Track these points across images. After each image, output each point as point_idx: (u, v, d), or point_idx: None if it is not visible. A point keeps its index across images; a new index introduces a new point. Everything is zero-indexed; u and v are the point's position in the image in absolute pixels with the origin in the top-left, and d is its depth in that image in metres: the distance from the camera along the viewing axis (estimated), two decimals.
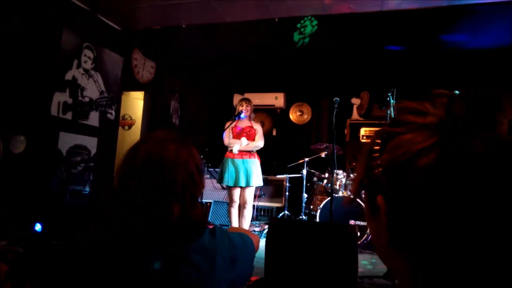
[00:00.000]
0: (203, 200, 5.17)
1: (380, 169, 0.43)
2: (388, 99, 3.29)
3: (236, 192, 3.98)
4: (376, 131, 0.48)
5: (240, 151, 3.99)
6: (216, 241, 0.99)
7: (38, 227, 3.24)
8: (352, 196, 0.52)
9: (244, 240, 1.11)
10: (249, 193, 3.99)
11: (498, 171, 0.37)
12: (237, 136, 4.03)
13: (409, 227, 0.41)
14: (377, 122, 5.54)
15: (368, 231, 4.12)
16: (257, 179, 3.98)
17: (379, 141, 0.45)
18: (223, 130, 4.06)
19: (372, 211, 0.47)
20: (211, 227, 1.03)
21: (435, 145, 0.39)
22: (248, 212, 3.99)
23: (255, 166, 3.99)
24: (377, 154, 0.45)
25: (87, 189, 4.22)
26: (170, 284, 0.89)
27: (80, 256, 0.97)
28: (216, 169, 5.31)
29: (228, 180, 3.95)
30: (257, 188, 5.51)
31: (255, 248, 1.19)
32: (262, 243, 2.57)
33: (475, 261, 0.38)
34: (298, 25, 4.39)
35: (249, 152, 4.01)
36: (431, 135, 0.39)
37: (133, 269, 0.89)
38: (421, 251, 0.41)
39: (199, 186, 0.99)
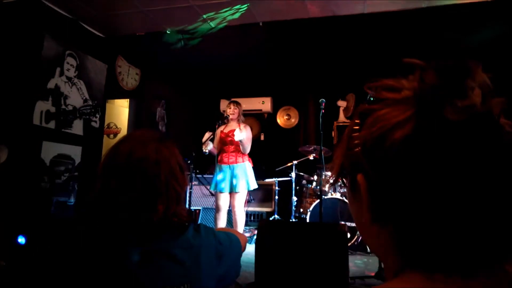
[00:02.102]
0: (191, 207, 5.11)
1: (359, 148, 0.43)
2: (371, 98, 3.31)
3: (221, 198, 3.90)
4: (354, 111, 0.48)
5: (227, 156, 3.94)
6: (201, 237, 0.99)
7: (21, 239, 3.15)
8: (333, 179, 0.52)
9: (229, 238, 1.11)
10: (236, 199, 3.85)
11: (474, 140, 0.37)
12: (221, 140, 3.97)
13: (389, 201, 0.41)
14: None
15: (358, 231, 4.13)
16: (246, 183, 3.86)
17: (357, 121, 0.46)
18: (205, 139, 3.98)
19: (353, 191, 0.48)
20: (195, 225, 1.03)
21: (411, 117, 0.39)
22: (239, 218, 3.86)
23: (243, 170, 3.88)
24: (356, 134, 0.45)
25: (72, 200, 4.13)
26: (156, 281, 0.87)
27: (65, 257, 0.96)
28: (204, 176, 5.27)
29: (214, 185, 3.92)
30: (247, 192, 5.48)
31: (242, 246, 1.18)
32: (252, 247, 2.54)
33: (456, 230, 0.38)
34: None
35: (236, 156, 3.94)
36: (407, 108, 0.40)
37: (118, 267, 0.88)
38: (403, 225, 0.41)
39: (182, 184, 0.99)
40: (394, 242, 0.43)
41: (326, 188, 4.61)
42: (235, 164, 3.90)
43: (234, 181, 3.82)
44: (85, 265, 0.91)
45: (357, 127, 0.45)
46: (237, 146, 3.91)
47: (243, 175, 3.88)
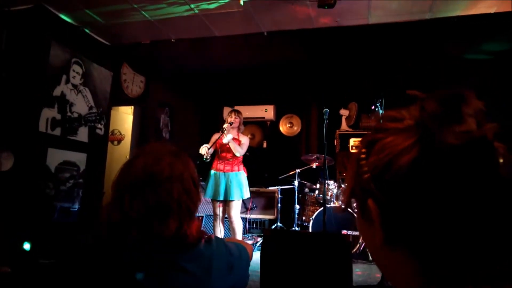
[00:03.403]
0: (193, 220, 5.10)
1: (368, 174, 0.46)
2: (376, 109, 3.34)
3: (217, 206, 3.92)
4: (361, 140, 0.52)
5: (223, 164, 3.95)
6: (212, 248, 0.99)
7: (26, 245, 3.16)
8: (343, 206, 0.55)
9: (238, 248, 1.12)
10: (232, 207, 3.86)
11: (473, 162, 0.40)
12: (220, 148, 3.98)
13: (401, 222, 0.44)
14: (366, 132, 5.57)
15: (361, 240, 4.13)
16: (240, 192, 3.87)
17: (364, 150, 0.49)
18: (211, 143, 3.99)
19: (364, 216, 0.50)
20: (206, 236, 1.03)
21: (414, 143, 0.43)
22: (237, 226, 3.89)
23: (237, 179, 3.91)
24: (364, 162, 0.48)
25: (76, 206, 4.14)
26: None
27: (74, 270, 0.96)
28: (203, 183, 5.28)
29: (209, 193, 3.92)
30: (248, 200, 5.49)
31: (249, 256, 1.19)
32: (257, 255, 2.55)
33: (467, 246, 0.41)
34: None
35: (232, 164, 3.96)
36: (410, 136, 0.43)
37: (129, 282, 0.88)
38: (417, 245, 0.44)
39: (195, 200, 0.99)
40: (410, 263, 0.44)
41: (329, 196, 4.62)
42: (230, 172, 3.92)
43: (230, 189, 3.84)
44: (93, 278, 0.91)
45: (364, 156, 0.48)
46: (234, 155, 3.94)
47: (238, 183, 3.90)
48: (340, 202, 4.52)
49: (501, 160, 0.41)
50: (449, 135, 0.41)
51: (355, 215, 0.54)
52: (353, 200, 0.52)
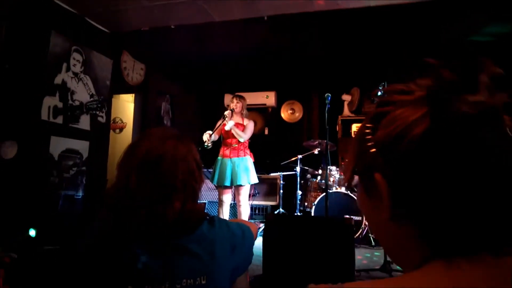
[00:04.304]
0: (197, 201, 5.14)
1: (374, 149, 0.45)
2: (379, 93, 3.33)
3: (223, 192, 3.97)
4: (366, 116, 0.50)
5: (229, 150, 3.98)
6: (215, 230, 1.01)
7: (32, 232, 3.20)
8: (345, 184, 0.54)
9: (241, 228, 1.13)
10: (240, 192, 3.92)
11: (484, 133, 0.40)
12: (225, 134, 4.01)
13: (412, 196, 0.43)
14: None
15: (363, 225, 4.15)
16: (247, 177, 3.91)
17: (369, 124, 0.47)
18: (214, 129, 4.02)
19: (368, 192, 0.49)
20: (209, 217, 1.05)
21: (425, 114, 0.41)
22: (243, 210, 3.95)
23: (243, 164, 3.94)
24: (369, 137, 0.46)
25: (80, 193, 4.18)
26: (172, 275, 0.89)
27: (80, 255, 0.98)
28: (209, 170, 5.31)
29: (215, 179, 3.96)
30: (251, 186, 5.53)
31: (253, 236, 1.20)
32: (259, 240, 2.58)
33: (478, 215, 0.40)
34: None
35: (238, 150, 3.98)
36: (421, 107, 0.42)
37: (134, 265, 0.89)
38: (425, 217, 0.43)
39: (198, 181, 1.01)
40: (415, 239, 0.44)
41: (331, 182, 4.63)
42: (236, 158, 3.94)
43: (236, 175, 3.87)
44: (98, 260, 0.92)
45: (368, 131, 0.47)
46: (239, 141, 3.95)
47: (245, 169, 3.93)
48: (343, 188, 4.53)
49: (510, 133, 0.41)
50: (463, 105, 0.40)
51: (357, 194, 0.53)
52: (354, 178, 0.52)
